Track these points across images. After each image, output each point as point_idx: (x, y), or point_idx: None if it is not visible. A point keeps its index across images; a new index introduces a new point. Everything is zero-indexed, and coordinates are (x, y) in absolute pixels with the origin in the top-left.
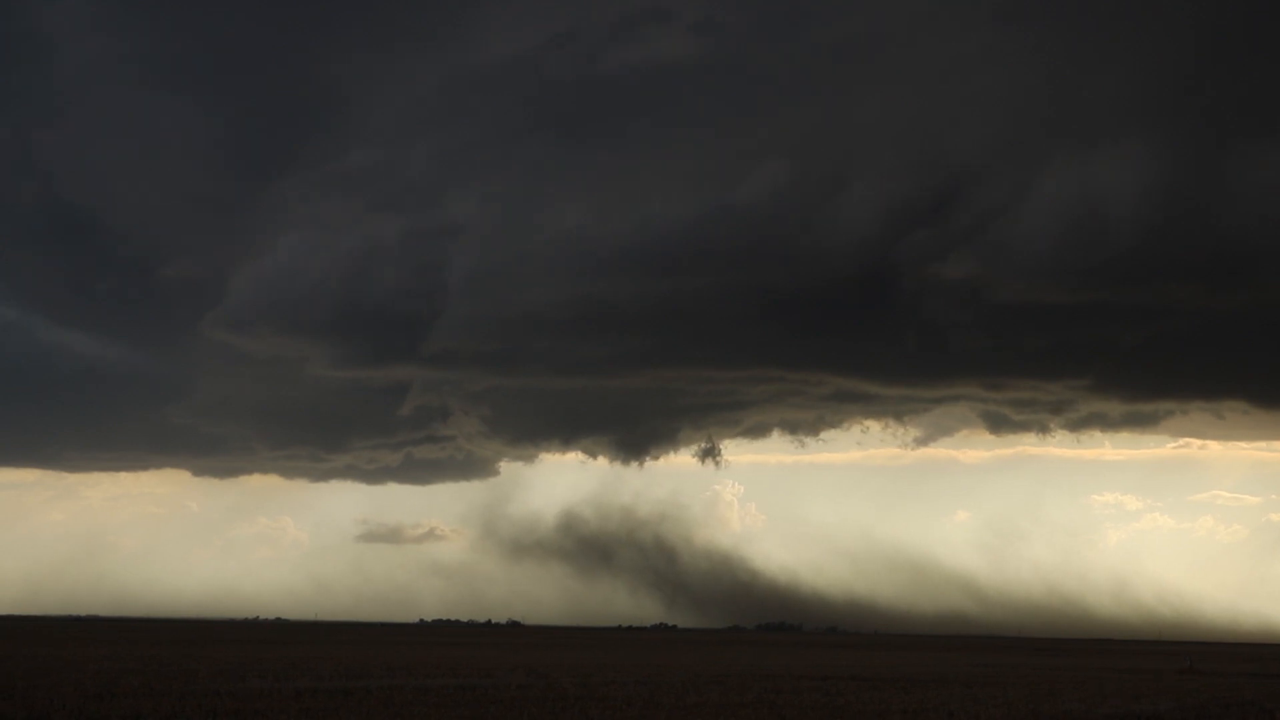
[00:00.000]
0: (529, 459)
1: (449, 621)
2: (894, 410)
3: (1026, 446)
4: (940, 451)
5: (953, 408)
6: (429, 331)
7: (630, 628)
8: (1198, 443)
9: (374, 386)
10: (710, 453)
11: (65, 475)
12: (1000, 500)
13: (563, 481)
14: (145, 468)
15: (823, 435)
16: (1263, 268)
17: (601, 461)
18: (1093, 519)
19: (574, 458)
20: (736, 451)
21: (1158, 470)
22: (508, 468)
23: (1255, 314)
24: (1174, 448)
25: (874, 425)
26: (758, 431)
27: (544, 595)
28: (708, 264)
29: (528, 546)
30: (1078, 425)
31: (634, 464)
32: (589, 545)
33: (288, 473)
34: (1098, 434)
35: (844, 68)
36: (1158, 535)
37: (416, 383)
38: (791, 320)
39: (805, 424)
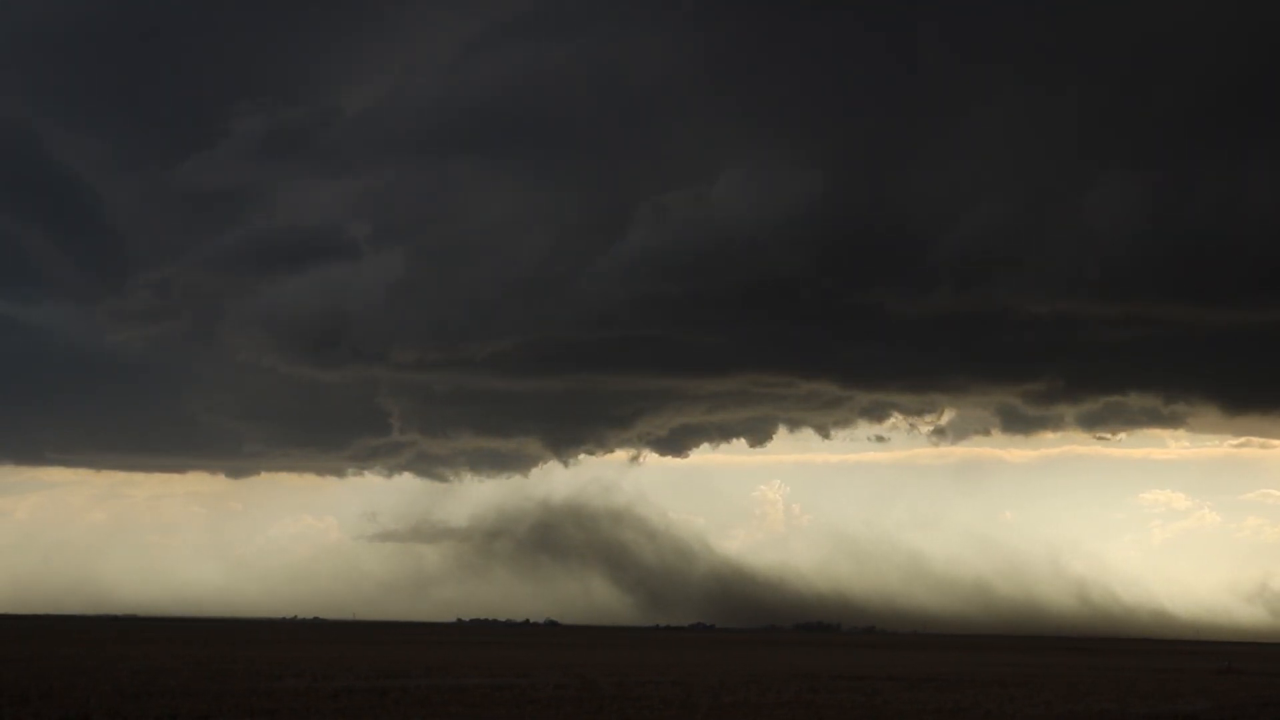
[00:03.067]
0: (555, 457)
1: (487, 621)
2: (912, 411)
3: (1075, 446)
4: (985, 451)
5: (968, 410)
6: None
7: (667, 628)
8: (1259, 440)
9: (406, 386)
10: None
11: (109, 475)
12: (1046, 500)
13: (580, 480)
14: (186, 470)
15: (846, 435)
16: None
17: (624, 457)
18: (1140, 517)
19: (602, 456)
20: (775, 451)
21: (1213, 469)
22: (540, 467)
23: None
24: (1233, 445)
25: (893, 425)
26: (775, 428)
27: (574, 595)
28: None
29: (554, 546)
30: (1092, 423)
31: (669, 459)
32: (612, 544)
33: (324, 472)
34: (1152, 432)
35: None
36: (1202, 534)
37: (436, 382)
38: (799, 325)
39: (818, 423)
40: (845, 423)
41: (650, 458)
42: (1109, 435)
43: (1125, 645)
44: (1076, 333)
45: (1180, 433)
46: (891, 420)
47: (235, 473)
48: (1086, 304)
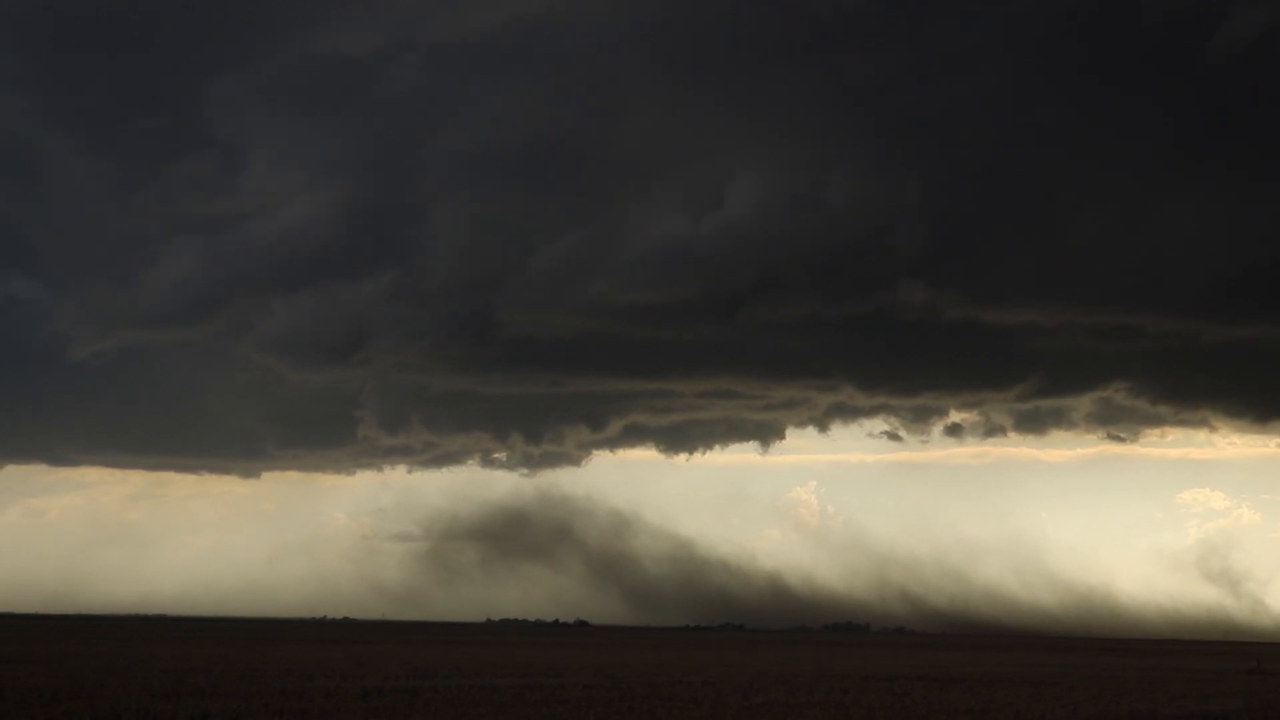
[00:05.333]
0: (584, 457)
1: (516, 621)
2: (921, 412)
3: (1107, 445)
4: (1022, 451)
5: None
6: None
7: (697, 628)
8: None
9: (421, 387)
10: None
11: (142, 475)
12: (1082, 499)
13: (611, 479)
14: (219, 470)
15: (862, 435)
16: None
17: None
18: (1175, 517)
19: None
20: (809, 450)
21: (1253, 469)
22: (592, 460)
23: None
24: (1278, 445)
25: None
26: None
27: (606, 595)
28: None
29: (582, 544)
30: (1103, 422)
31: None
32: (648, 542)
33: (352, 470)
34: (1192, 432)
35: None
36: (1237, 533)
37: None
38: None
39: (825, 424)
40: (855, 423)
41: (673, 458)
42: (1123, 436)
43: (1155, 645)
44: (1077, 339)
45: (1225, 432)
46: (904, 419)
47: (267, 473)
48: (1082, 313)
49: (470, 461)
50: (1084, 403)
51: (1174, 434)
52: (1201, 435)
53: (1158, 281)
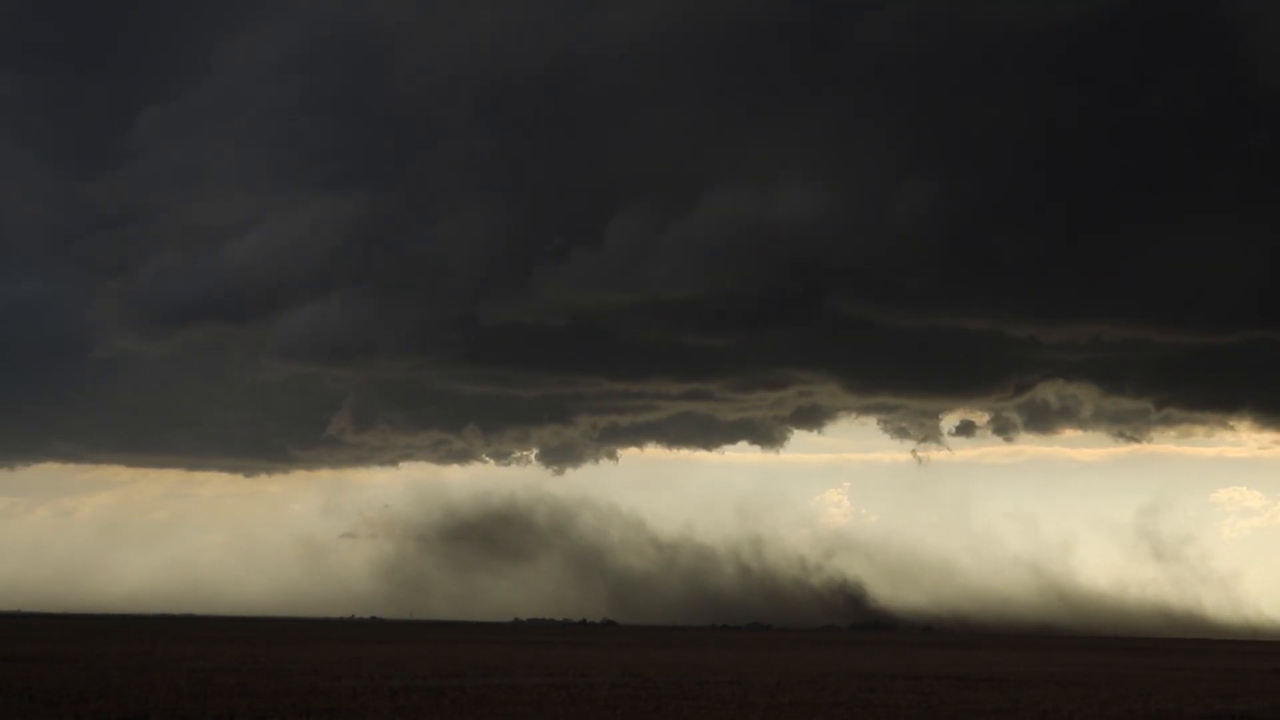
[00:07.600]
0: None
1: (544, 621)
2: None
3: (1145, 445)
4: (1055, 450)
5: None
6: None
7: (724, 627)
8: None
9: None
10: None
11: (172, 474)
12: (1112, 499)
13: (631, 478)
14: (249, 471)
15: (894, 435)
16: None
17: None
18: (1210, 516)
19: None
20: (826, 450)
21: None
22: (617, 459)
23: None
24: None
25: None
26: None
27: (629, 595)
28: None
29: (599, 544)
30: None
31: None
32: (689, 542)
33: (375, 466)
34: (1224, 433)
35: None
36: (1272, 532)
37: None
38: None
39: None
40: (866, 422)
41: (690, 456)
42: (1134, 436)
43: (1183, 645)
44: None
45: (1272, 432)
46: (913, 419)
47: (292, 472)
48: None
49: (489, 460)
50: (1104, 402)
51: (1217, 434)
52: (1243, 434)
53: (1179, 294)
